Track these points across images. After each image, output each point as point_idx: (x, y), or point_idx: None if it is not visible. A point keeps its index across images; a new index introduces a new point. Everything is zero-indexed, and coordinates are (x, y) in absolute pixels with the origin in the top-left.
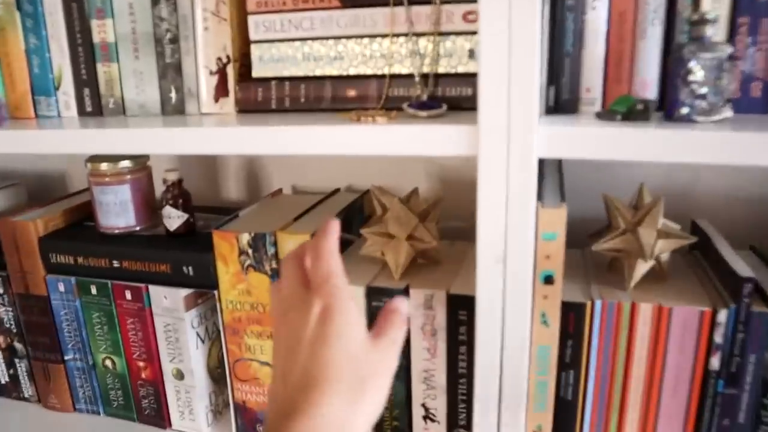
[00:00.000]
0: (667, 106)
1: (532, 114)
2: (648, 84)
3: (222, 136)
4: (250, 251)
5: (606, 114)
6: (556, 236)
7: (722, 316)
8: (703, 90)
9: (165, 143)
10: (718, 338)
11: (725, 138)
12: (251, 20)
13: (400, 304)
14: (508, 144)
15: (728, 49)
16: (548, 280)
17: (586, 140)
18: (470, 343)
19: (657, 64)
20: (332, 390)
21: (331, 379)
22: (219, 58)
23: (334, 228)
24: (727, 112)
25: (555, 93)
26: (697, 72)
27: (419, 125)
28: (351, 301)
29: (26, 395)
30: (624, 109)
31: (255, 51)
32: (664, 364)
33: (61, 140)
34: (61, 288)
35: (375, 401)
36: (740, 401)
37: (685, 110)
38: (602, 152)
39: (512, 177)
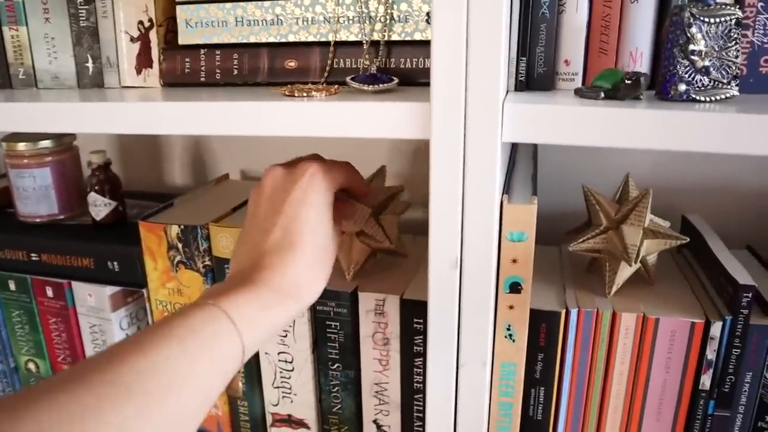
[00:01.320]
0: (661, 83)
1: (496, 89)
2: (639, 56)
3: (143, 112)
4: (179, 246)
5: (588, 91)
6: (524, 236)
7: (716, 329)
8: (706, 63)
9: (81, 120)
10: (711, 354)
11: (732, 122)
12: None
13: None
14: (464, 125)
15: (737, 13)
16: (515, 287)
17: (563, 122)
18: (426, 356)
19: (650, 33)
20: (302, 253)
21: (304, 245)
22: (141, 22)
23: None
24: (733, 91)
25: (527, 65)
26: (699, 41)
27: (362, 102)
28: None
29: None
30: (609, 85)
31: (181, 14)
32: (648, 381)
33: None
34: None
35: (324, 272)
36: (733, 425)
37: (682, 87)
38: (582, 137)
39: (470, 165)
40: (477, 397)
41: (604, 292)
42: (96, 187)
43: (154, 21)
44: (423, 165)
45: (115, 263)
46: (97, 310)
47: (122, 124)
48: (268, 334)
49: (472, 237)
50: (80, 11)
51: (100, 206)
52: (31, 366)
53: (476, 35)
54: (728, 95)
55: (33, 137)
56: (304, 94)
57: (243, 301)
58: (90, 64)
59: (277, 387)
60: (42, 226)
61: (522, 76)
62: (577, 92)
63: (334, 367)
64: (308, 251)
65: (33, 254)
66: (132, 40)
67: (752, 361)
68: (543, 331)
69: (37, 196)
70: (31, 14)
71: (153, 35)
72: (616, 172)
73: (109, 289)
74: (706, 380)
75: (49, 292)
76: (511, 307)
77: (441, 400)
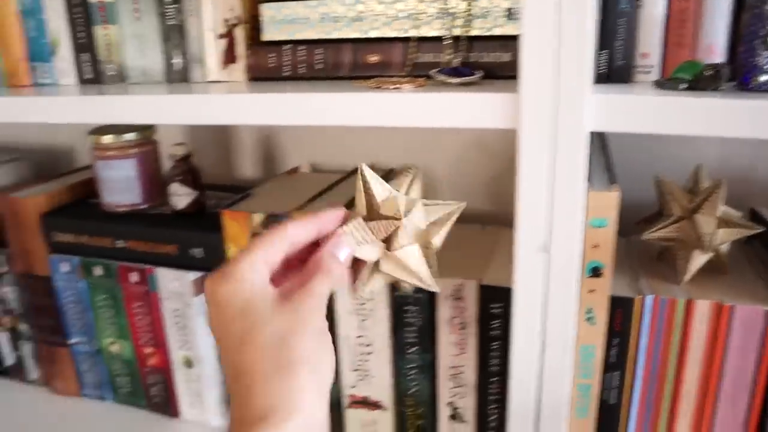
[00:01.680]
0: (741, 74)
1: (584, 80)
2: (715, 48)
3: (231, 103)
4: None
5: (668, 82)
6: (606, 223)
7: None
8: None
9: (170, 112)
10: None
11: None
12: None
13: (334, 247)
14: (555, 115)
15: None
16: (596, 272)
17: (648, 111)
18: (504, 339)
19: (726, 26)
20: (261, 379)
21: (256, 372)
22: (226, 20)
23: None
24: None
25: (607, 58)
26: None
27: (453, 93)
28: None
29: (31, 378)
30: (690, 76)
31: (266, 11)
32: (723, 368)
33: (58, 109)
34: (65, 268)
35: (304, 358)
36: None
37: (763, 78)
38: (665, 125)
39: (559, 154)
40: (560, 378)
41: (675, 281)
42: (178, 178)
43: (240, 18)
44: (479, 164)
45: (199, 250)
46: (179, 295)
47: (228, 113)
48: None
49: (559, 223)
50: (168, 10)
51: (181, 196)
52: (114, 348)
53: (567, 29)
54: None
55: (117, 131)
56: (393, 87)
57: None
58: (177, 60)
59: (355, 369)
60: (125, 214)
61: (602, 69)
62: (658, 84)
63: (412, 350)
64: (258, 353)
65: (118, 241)
66: (219, 36)
67: None
68: (618, 317)
69: (121, 186)
70: (123, 14)
71: (238, 32)
72: (682, 164)
73: (192, 275)
74: None
75: (134, 278)
76: (591, 291)
77: (524, 381)
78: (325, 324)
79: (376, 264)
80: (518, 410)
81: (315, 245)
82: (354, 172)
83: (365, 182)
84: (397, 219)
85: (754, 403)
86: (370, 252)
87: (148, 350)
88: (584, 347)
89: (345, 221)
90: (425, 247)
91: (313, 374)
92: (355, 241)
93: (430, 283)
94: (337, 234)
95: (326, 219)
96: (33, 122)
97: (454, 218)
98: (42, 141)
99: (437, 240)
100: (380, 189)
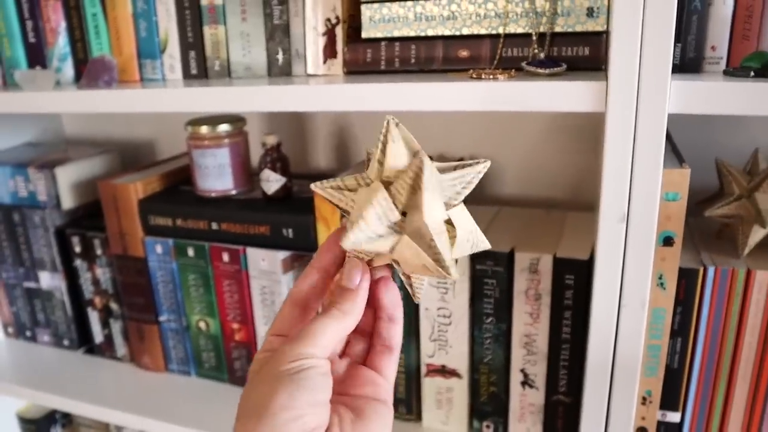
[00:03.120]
0: None
1: (665, 69)
2: None
3: (332, 92)
4: None
5: (738, 71)
6: (678, 197)
7: None
8: None
9: (273, 101)
10: None
11: None
12: None
13: (339, 282)
14: (637, 100)
15: None
16: (668, 241)
17: (721, 95)
18: (575, 308)
19: None
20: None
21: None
22: (328, 19)
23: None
24: None
25: (681, 51)
26: None
27: (544, 82)
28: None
29: (119, 355)
30: (758, 65)
31: (365, 11)
32: None
33: (168, 99)
34: (159, 250)
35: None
36: None
37: None
38: (737, 107)
39: (640, 134)
40: (635, 336)
41: (735, 255)
42: (269, 165)
43: (340, 18)
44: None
45: (290, 230)
46: (268, 273)
47: (321, 102)
48: None
49: (638, 196)
50: (274, 11)
51: (272, 181)
52: (202, 325)
53: (650, 22)
54: None
55: (212, 122)
56: (491, 76)
57: None
58: (280, 56)
59: (434, 340)
60: (218, 199)
61: (676, 60)
62: (727, 73)
63: (488, 320)
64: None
65: (213, 223)
66: (320, 34)
67: None
68: (683, 286)
69: (215, 173)
70: (231, 15)
71: (339, 30)
72: (738, 150)
73: (282, 254)
74: None
75: (225, 257)
76: (663, 259)
77: (602, 340)
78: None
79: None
80: (595, 367)
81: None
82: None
83: (386, 139)
84: (418, 174)
85: None
86: (382, 244)
87: (235, 326)
88: (656, 310)
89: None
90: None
91: None
92: (366, 238)
93: (449, 270)
94: (345, 265)
95: (324, 252)
96: (141, 112)
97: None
98: (125, 136)
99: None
100: (398, 149)
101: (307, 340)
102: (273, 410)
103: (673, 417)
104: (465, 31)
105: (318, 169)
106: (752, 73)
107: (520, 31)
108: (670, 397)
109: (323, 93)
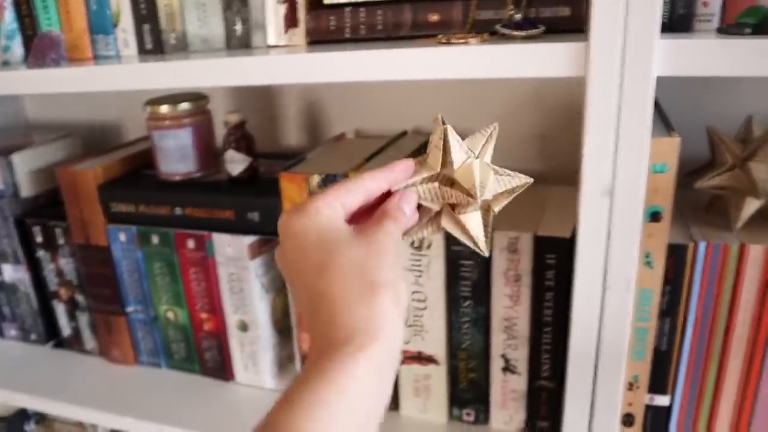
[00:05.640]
0: None
1: (653, 27)
2: None
3: (297, 62)
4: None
5: (732, 27)
6: (666, 168)
7: None
8: None
9: (230, 74)
10: None
11: None
12: None
13: (402, 201)
14: (622, 62)
15: None
16: (655, 216)
17: (714, 54)
18: (558, 289)
19: None
20: (344, 303)
21: (338, 297)
22: None
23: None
24: None
25: (669, 8)
26: None
27: (519, 45)
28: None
29: (88, 348)
30: (754, 21)
31: None
32: None
33: (121, 76)
34: (122, 238)
35: (385, 283)
36: None
37: None
38: (729, 67)
39: (625, 100)
40: (620, 319)
41: (727, 229)
42: (233, 145)
43: None
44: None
45: (256, 214)
46: (235, 259)
47: (279, 74)
48: (360, 407)
49: (623, 168)
50: None
51: (237, 162)
52: (170, 315)
53: None
54: None
55: (173, 101)
56: (462, 41)
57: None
58: (238, 27)
59: (410, 325)
60: (182, 183)
61: (664, 18)
62: (721, 30)
63: (466, 304)
64: (339, 279)
65: (177, 208)
66: (279, 2)
67: None
68: (671, 264)
69: (177, 155)
70: None
71: None
72: (732, 116)
73: (248, 239)
74: None
75: (191, 244)
76: (650, 236)
77: (585, 323)
78: (398, 260)
79: (437, 214)
80: (578, 351)
81: (384, 196)
82: (400, 136)
83: (446, 143)
84: (471, 197)
85: None
86: (434, 205)
87: (203, 315)
88: (642, 291)
89: (414, 172)
90: (485, 210)
91: (395, 298)
92: (422, 198)
93: (483, 248)
94: (408, 190)
95: (398, 171)
96: (96, 91)
97: (518, 192)
98: (90, 118)
99: (498, 208)
100: (459, 154)
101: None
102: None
103: (662, 400)
104: None
105: (288, 147)
106: (748, 30)
107: None
108: (659, 380)
109: (285, 64)
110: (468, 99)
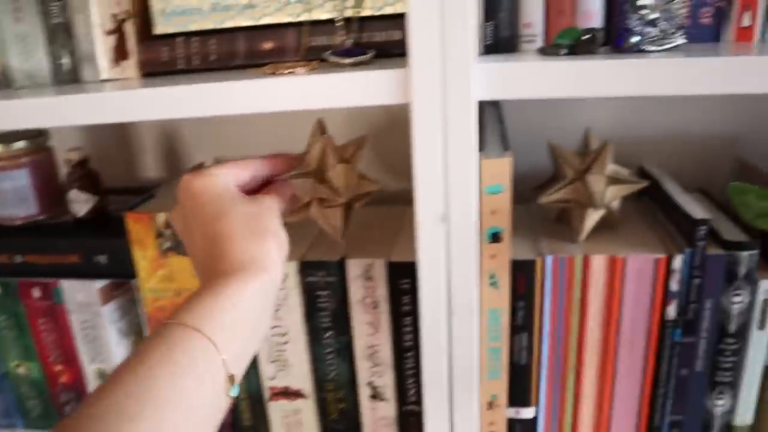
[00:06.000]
0: (615, 36)
1: (469, 51)
2: (593, 14)
3: (121, 100)
4: (167, 232)
5: (550, 49)
6: (501, 189)
7: (677, 262)
8: (654, 15)
9: (54, 114)
10: (674, 286)
11: (681, 66)
12: None
13: (283, 187)
14: (444, 88)
15: None
16: (496, 237)
17: (530, 77)
18: (415, 314)
19: None
20: (230, 228)
21: (228, 223)
22: (114, 15)
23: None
24: (680, 40)
25: (493, 30)
26: None
27: (343, 74)
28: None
29: None
30: (570, 42)
31: (156, 4)
32: (620, 317)
33: None
34: None
35: (264, 233)
36: (697, 349)
37: (635, 39)
38: (548, 89)
39: (450, 125)
40: (468, 344)
41: (574, 240)
42: (76, 184)
43: (129, 12)
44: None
45: (103, 257)
46: (86, 306)
47: (104, 113)
48: (245, 323)
49: (455, 193)
50: (52, 8)
51: (81, 202)
52: (21, 370)
53: (449, 3)
54: (676, 44)
55: (7, 140)
56: (287, 71)
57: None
58: (65, 61)
59: (274, 361)
60: (23, 227)
61: (488, 41)
62: (541, 51)
63: (327, 335)
64: (235, 223)
65: (17, 256)
66: (107, 33)
67: (711, 289)
68: (522, 280)
69: (15, 198)
70: (2, 15)
71: (128, 27)
72: (576, 128)
73: (98, 283)
74: (671, 311)
75: (36, 293)
76: (493, 256)
77: (435, 350)
78: (281, 225)
79: (307, 204)
80: (432, 378)
81: (263, 185)
82: None
83: (324, 148)
84: (338, 195)
85: (649, 346)
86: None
87: (58, 368)
88: (491, 311)
89: (294, 166)
90: (348, 207)
91: (279, 244)
92: (299, 189)
93: (340, 238)
94: (288, 182)
95: (281, 161)
96: None
97: (372, 195)
98: None
99: (359, 204)
100: (332, 159)
101: None
102: None
103: (527, 413)
104: (267, 21)
105: (147, 180)
106: (564, 51)
107: (326, 16)
108: (521, 394)
109: (110, 101)
110: (330, 121)
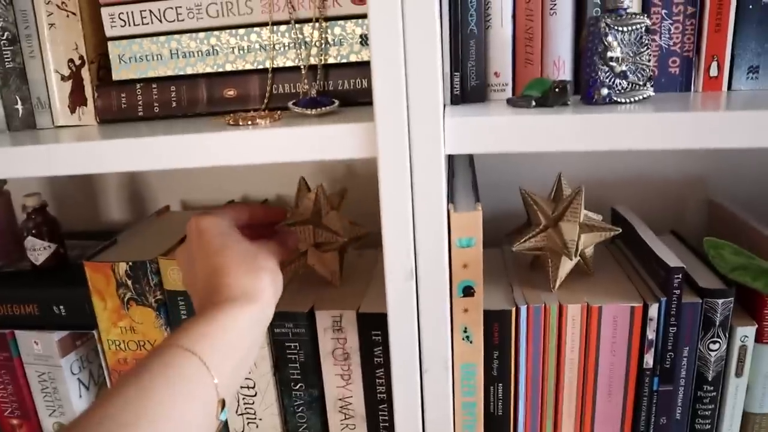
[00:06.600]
0: (585, 88)
1: (436, 105)
2: (561, 64)
3: (77, 152)
4: (129, 282)
5: (519, 100)
6: (473, 242)
7: (653, 310)
8: (623, 68)
9: (12, 166)
10: (651, 334)
11: (652, 122)
12: (105, 13)
13: (285, 234)
14: (410, 141)
15: (646, 21)
16: (468, 291)
17: (499, 131)
18: (387, 366)
19: (570, 42)
20: (229, 262)
21: (227, 258)
22: (71, 60)
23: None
24: (649, 91)
25: (460, 80)
26: (616, 48)
27: (308, 126)
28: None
29: None
30: (539, 93)
31: (113, 49)
32: (597, 366)
33: None
34: None
35: (260, 269)
36: (676, 397)
37: (605, 91)
38: (518, 144)
39: (418, 179)
40: (442, 400)
41: (548, 288)
42: (33, 231)
43: (85, 58)
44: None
45: (62, 307)
46: (45, 357)
47: (59, 165)
48: (236, 350)
49: (424, 247)
50: (5, 52)
51: (39, 250)
52: None
53: (413, 56)
54: (645, 95)
55: None
56: (249, 123)
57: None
58: (20, 106)
59: (241, 414)
60: None
61: (456, 90)
62: (510, 102)
63: (297, 387)
64: (234, 257)
65: None
66: (63, 78)
67: (687, 336)
68: (496, 330)
69: None
70: None
71: (85, 72)
72: (550, 172)
73: (57, 335)
74: (649, 359)
75: None
76: (465, 311)
77: (408, 406)
78: (278, 268)
79: (303, 254)
80: None
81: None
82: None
83: (317, 197)
84: (339, 236)
85: (628, 395)
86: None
87: (14, 422)
88: (465, 366)
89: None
90: (342, 250)
91: (273, 281)
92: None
93: (337, 282)
94: (291, 228)
95: (273, 211)
96: None
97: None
98: None
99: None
100: (326, 207)
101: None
102: None
103: None
104: (229, 68)
105: (111, 223)
106: (533, 103)
107: (290, 64)
108: None
109: (59, 154)
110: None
